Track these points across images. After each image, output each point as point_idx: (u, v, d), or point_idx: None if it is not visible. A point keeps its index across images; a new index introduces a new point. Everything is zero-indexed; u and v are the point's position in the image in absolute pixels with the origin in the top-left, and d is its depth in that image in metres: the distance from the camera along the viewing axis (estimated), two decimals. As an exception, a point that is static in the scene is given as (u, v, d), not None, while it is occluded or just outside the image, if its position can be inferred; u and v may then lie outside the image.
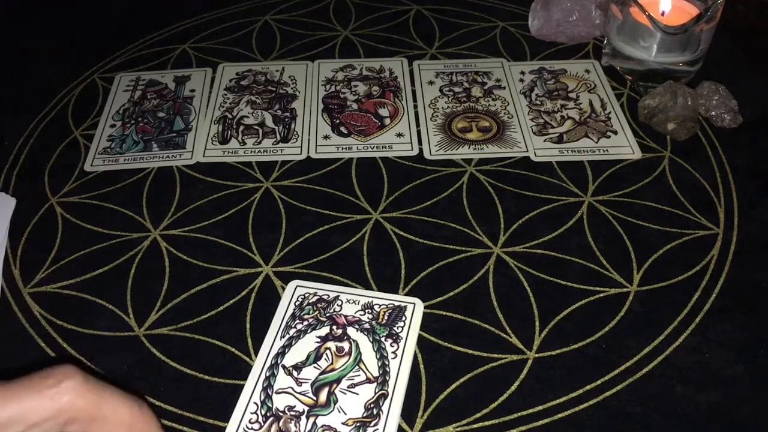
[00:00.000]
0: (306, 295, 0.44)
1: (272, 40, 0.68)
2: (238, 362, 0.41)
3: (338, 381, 0.39)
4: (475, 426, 0.38)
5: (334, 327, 0.42)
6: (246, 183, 0.53)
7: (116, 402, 0.29)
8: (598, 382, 0.40)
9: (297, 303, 0.44)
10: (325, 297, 0.44)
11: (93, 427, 0.28)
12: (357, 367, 0.40)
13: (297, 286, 0.45)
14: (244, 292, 0.45)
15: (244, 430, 0.37)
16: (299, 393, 0.39)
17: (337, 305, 0.43)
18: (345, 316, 0.43)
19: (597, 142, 0.55)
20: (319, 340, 0.41)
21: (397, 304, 0.44)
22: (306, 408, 0.38)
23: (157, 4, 0.73)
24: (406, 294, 0.45)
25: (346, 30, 0.69)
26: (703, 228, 0.49)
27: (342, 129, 0.57)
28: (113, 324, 0.44)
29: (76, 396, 0.27)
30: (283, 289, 0.45)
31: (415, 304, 0.44)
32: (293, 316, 0.43)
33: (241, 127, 0.57)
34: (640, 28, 0.57)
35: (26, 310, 0.45)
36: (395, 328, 0.42)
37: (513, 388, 0.40)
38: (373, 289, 0.45)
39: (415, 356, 0.41)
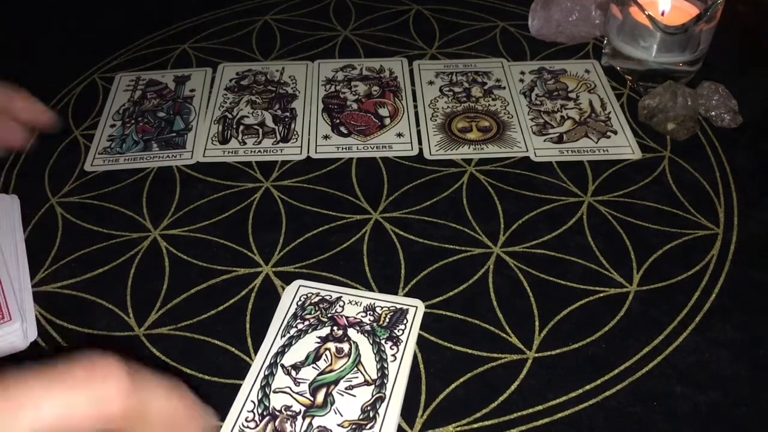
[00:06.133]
0: (309, 294, 0.44)
1: (272, 40, 0.68)
2: (238, 362, 0.41)
3: (336, 382, 0.39)
4: (475, 426, 0.38)
5: (335, 328, 0.42)
6: (246, 183, 0.53)
7: (160, 397, 0.26)
8: (598, 382, 0.40)
9: (299, 302, 0.44)
10: (328, 297, 0.44)
11: (136, 426, 0.26)
12: (355, 369, 0.40)
13: (300, 286, 0.45)
14: (244, 292, 0.45)
15: (240, 428, 0.37)
16: (297, 393, 0.39)
17: (339, 306, 0.43)
18: (346, 317, 0.43)
19: (597, 142, 0.55)
20: (319, 340, 0.41)
21: (399, 306, 0.44)
22: (303, 408, 0.38)
23: (157, 4, 0.73)
24: (406, 294, 0.45)
25: (346, 30, 0.69)
26: (703, 228, 0.49)
27: (342, 129, 0.57)
28: (113, 324, 0.44)
29: (124, 398, 0.25)
30: (283, 289, 0.45)
31: (417, 307, 0.44)
32: (295, 316, 0.43)
33: (241, 127, 0.57)
34: (640, 28, 0.57)
35: (26, 310, 0.45)
36: (396, 331, 0.42)
37: (513, 387, 0.40)
38: (372, 289, 0.45)
39: (415, 356, 0.41)
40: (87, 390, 0.24)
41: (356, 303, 0.44)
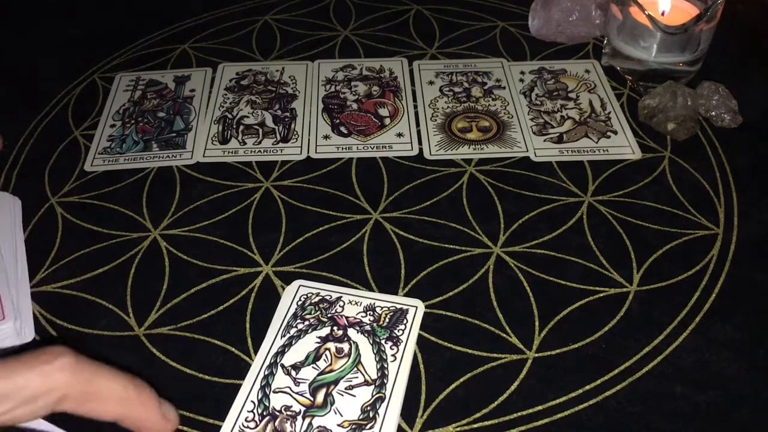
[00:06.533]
0: (309, 294, 0.44)
1: (272, 40, 0.68)
2: (238, 362, 0.41)
3: (336, 382, 0.39)
4: (475, 426, 0.38)
5: (335, 328, 0.42)
6: (246, 183, 0.53)
7: (109, 379, 0.29)
8: (598, 382, 0.40)
9: (299, 302, 0.44)
10: (328, 297, 0.44)
11: (87, 404, 0.29)
12: (355, 369, 0.40)
13: (300, 286, 0.45)
14: (244, 292, 0.45)
15: (240, 428, 0.37)
16: (297, 393, 0.39)
17: (339, 306, 0.43)
18: (346, 317, 0.43)
19: (597, 142, 0.55)
20: (319, 340, 0.41)
21: (399, 306, 0.44)
22: (303, 408, 0.38)
23: (157, 4, 0.73)
24: (406, 294, 0.45)
25: (346, 30, 0.69)
26: (703, 228, 0.49)
27: (342, 129, 0.57)
28: (113, 324, 0.44)
29: (70, 373, 0.28)
30: (283, 288, 0.45)
31: (417, 307, 0.43)
32: (295, 316, 0.43)
33: (241, 127, 0.57)
34: (640, 28, 0.57)
35: (26, 310, 0.45)
36: (396, 331, 0.42)
37: (513, 388, 0.40)
38: (372, 289, 0.45)
39: (415, 356, 0.41)
40: (34, 368, 0.27)
41: (356, 303, 0.44)
